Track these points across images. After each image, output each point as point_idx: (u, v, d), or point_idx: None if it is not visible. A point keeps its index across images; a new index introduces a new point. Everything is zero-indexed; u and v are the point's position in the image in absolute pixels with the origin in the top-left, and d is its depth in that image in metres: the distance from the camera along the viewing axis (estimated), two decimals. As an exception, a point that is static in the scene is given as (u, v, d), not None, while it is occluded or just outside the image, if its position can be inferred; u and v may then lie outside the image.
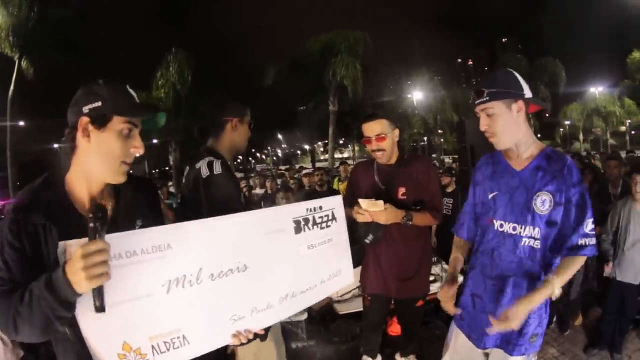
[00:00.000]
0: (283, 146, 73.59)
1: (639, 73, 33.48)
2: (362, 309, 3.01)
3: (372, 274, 2.79)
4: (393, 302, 2.91)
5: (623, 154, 10.86)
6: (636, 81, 34.76)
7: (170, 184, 17.86)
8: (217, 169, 2.03)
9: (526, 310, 1.73)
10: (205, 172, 2.03)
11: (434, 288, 3.47)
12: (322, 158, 58.75)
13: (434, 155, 36.33)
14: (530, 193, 1.85)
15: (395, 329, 3.73)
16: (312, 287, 1.87)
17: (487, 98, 1.83)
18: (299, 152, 76.26)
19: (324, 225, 1.94)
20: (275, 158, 78.90)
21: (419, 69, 35.44)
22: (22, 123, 20.68)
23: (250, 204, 5.88)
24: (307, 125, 31.94)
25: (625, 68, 37.71)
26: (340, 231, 2.03)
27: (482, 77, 1.96)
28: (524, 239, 1.87)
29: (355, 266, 3.71)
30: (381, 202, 2.49)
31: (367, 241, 2.64)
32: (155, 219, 1.70)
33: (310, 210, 1.89)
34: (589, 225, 1.78)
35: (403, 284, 2.72)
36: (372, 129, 2.67)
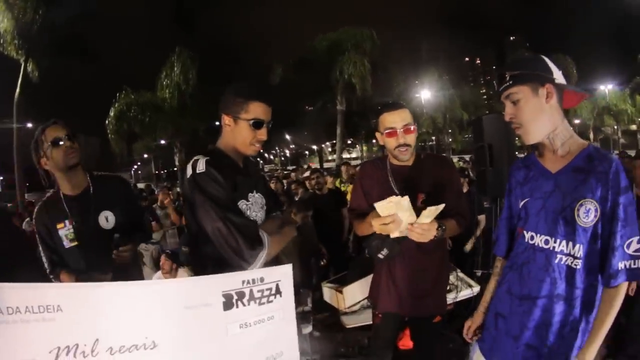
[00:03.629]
0: (291, 146, 73.68)
1: (650, 70, 32.94)
2: (370, 322, 2.73)
3: (384, 291, 2.45)
4: (407, 317, 2.63)
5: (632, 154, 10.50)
6: (647, 78, 34.20)
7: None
8: (200, 167, 1.75)
9: None
10: (189, 172, 1.77)
11: (449, 298, 3.22)
12: (329, 158, 58.62)
13: (443, 155, 36.06)
14: (568, 199, 1.56)
15: (406, 343, 3.49)
16: None
17: (510, 82, 1.60)
18: (306, 152, 76.14)
19: (264, 300, 1.65)
20: (282, 158, 79.03)
21: (426, 67, 35.40)
22: (29, 125, 20.84)
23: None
24: (314, 125, 31.93)
25: (635, 65, 37.11)
26: (284, 307, 1.73)
27: (507, 64, 1.73)
28: (558, 256, 1.58)
29: (359, 277, 3.59)
30: (404, 200, 1.96)
31: (381, 256, 2.24)
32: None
33: (247, 283, 1.59)
34: (633, 244, 1.48)
35: (419, 301, 2.41)
36: (397, 118, 2.26)
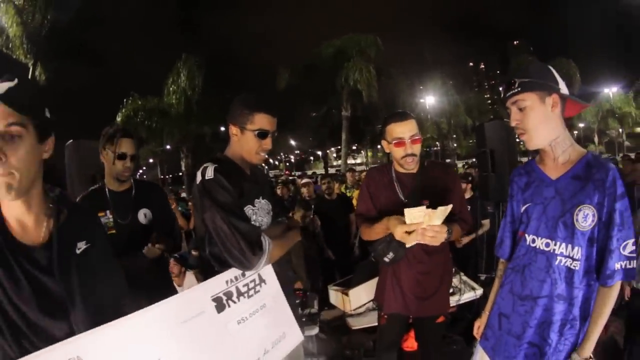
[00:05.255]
0: (296, 152, 73.69)
1: (655, 73, 32.79)
2: (375, 324, 2.81)
3: (390, 293, 2.53)
4: (411, 318, 2.71)
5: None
6: (652, 81, 34.06)
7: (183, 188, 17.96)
8: (209, 173, 1.83)
9: None
10: (198, 178, 1.86)
11: (452, 301, 3.28)
12: (334, 164, 58.59)
13: (448, 161, 35.93)
14: (567, 205, 1.65)
15: (410, 344, 3.55)
16: None
17: (519, 89, 1.66)
18: (311, 157, 76.18)
19: (252, 292, 1.76)
20: (287, 164, 78.99)
21: (430, 72, 35.31)
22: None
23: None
24: (319, 130, 31.89)
25: (639, 67, 36.96)
26: (272, 293, 1.84)
27: (514, 70, 1.79)
28: (558, 257, 1.66)
29: (364, 281, 3.66)
30: (424, 208, 2.00)
31: (387, 259, 2.36)
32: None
33: (231, 281, 1.70)
34: (628, 246, 1.57)
35: (424, 302, 2.49)
36: (405, 129, 2.34)
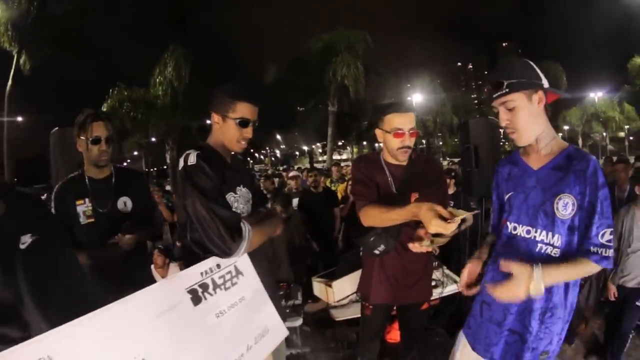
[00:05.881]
0: (282, 147, 73.48)
1: (639, 78, 33.24)
2: (358, 315, 2.83)
3: (376, 284, 2.54)
4: (395, 309, 2.75)
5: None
6: (636, 87, 34.57)
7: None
8: (191, 160, 1.84)
9: (506, 295, 1.60)
10: (181, 164, 1.87)
11: (435, 293, 3.32)
12: (320, 159, 58.59)
13: (431, 155, 36.15)
14: (548, 194, 1.70)
15: (393, 336, 3.59)
16: (238, 359, 1.62)
17: (507, 90, 1.69)
18: (297, 152, 76.04)
19: (229, 284, 1.72)
20: (273, 158, 78.70)
21: (419, 71, 35.52)
22: (20, 118, 20.63)
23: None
24: (306, 125, 31.88)
25: (624, 73, 37.58)
26: (251, 284, 1.81)
27: (497, 69, 1.80)
28: (539, 245, 1.71)
29: (347, 273, 3.68)
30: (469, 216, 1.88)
31: (377, 252, 2.38)
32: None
33: (206, 273, 1.66)
34: (606, 235, 1.61)
35: (410, 289, 2.53)
36: (406, 120, 2.33)
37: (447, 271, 3.88)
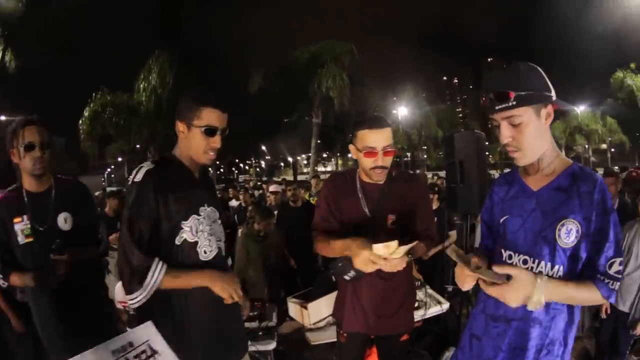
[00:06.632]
0: (267, 157, 73.35)
1: (621, 92, 33.78)
2: (335, 339, 2.61)
3: (349, 311, 2.31)
4: (372, 337, 2.52)
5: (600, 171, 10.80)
6: (618, 100, 35.18)
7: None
8: (138, 176, 1.68)
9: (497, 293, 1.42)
10: (130, 178, 1.72)
11: (417, 315, 3.13)
12: (304, 171, 58.47)
13: (417, 171, 36.46)
14: (549, 219, 1.48)
15: (373, 361, 3.39)
16: None
17: (514, 102, 1.43)
18: (282, 163, 75.88)
19: None
20: (258, 169, 78.48)
21: (404, 84, 35.86)
22: (2, 117, 20.23)
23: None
24: (290, 136, 31.82)
25: (607, 87, 38.26)
26: None
27: (500, 75, 1.53)
28: None
29: (324, 294, 3.48)
30: (395, 244, 1.82)
31: (347, 278, 2.09)
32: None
33: (118, 352, 1.46)
34: (614, 266, 1.41)
35: (387, 320, 2.29)
36: (380, 137, 2.06)
37: (430, 291, 3.71)
